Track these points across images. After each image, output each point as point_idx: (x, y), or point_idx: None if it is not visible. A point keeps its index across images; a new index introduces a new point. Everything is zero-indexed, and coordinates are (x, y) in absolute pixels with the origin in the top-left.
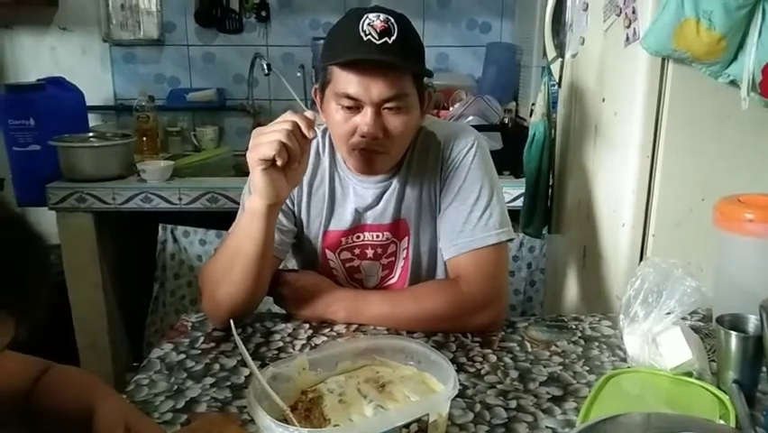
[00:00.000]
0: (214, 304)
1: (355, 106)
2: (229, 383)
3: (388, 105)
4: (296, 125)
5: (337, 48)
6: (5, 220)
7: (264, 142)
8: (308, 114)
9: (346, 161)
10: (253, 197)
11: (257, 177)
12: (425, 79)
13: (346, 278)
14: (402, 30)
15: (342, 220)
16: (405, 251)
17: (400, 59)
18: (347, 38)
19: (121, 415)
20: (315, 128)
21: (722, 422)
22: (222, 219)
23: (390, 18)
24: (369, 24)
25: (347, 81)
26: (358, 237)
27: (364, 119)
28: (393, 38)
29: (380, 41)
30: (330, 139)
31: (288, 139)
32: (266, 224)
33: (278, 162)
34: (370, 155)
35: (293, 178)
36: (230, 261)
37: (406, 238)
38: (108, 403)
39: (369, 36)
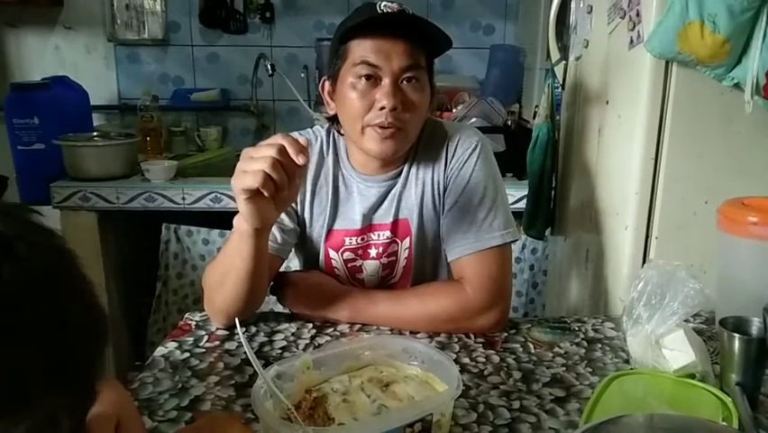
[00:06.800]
0: (212, 309)
1: (373, 77)
2: (233, 382)
3: (406, 74)
4: (284, 152)
5: (354, 22)
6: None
7: (249, 171)
8: (300, 139)
9: (360, 144)
10: (240, 220)
11: (241, 205)
12: None
13: (348, 278)
14: (415, 14)
15: (348, 220)
16: (407, 251)
17: (418, 27)
18: (364, 13)
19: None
20: (309, 149)
21: (725, 424)
22: (225, 219)
23: (403, 5)
24: (385, 5)
25: (366, 49)
26: (363, 239)
27: (383, 90)
28: (410, 14)
29: (398, 15)
30: (334, 138)
31: (273, 170)
32: (255, 244)
33: (265, 194)
34: (386, 132)
35: (282, 204)
36: (223, 274)
37: (408, 238)
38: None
39: (386, 11)
